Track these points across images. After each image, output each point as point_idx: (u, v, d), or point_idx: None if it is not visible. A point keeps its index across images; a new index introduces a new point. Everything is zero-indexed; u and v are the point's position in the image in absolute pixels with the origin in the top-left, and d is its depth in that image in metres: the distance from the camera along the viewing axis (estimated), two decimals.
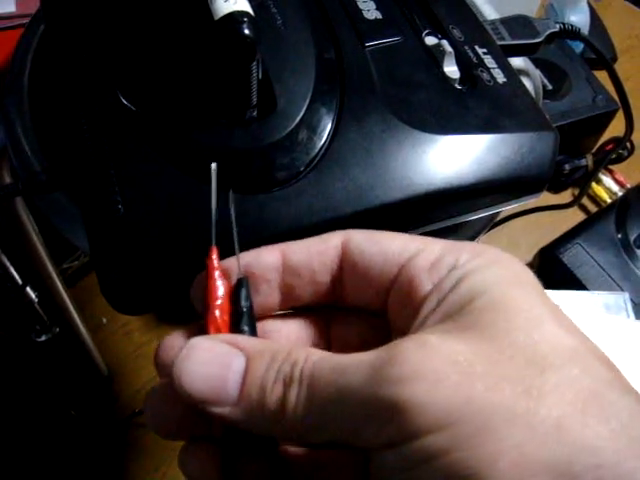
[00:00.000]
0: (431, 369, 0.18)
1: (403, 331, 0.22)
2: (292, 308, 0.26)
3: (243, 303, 0.24)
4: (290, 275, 0.24)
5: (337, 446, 0.23)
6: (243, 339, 0.22)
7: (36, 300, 0.54)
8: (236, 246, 0.24)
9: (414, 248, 0.23)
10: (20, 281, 0.52)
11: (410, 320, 0.22)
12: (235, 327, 0.23)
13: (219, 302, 0.23)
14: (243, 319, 0.23)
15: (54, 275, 0.53)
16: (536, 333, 0.19)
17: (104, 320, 0.63)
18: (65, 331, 0.57)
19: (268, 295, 0.25)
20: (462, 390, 0.18)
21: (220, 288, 0.24)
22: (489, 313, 0.20)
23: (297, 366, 0.20)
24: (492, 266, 0.21)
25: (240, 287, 0.24)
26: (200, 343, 0.22)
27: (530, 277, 0.22)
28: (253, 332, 0.23)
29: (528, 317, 0.20)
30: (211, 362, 0.21)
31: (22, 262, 0.51)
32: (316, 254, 0.24)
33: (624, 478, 0.16)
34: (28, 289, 0.53)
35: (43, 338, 0.57)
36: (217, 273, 0.24)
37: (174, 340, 0.24)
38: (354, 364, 0.19)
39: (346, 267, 0.24)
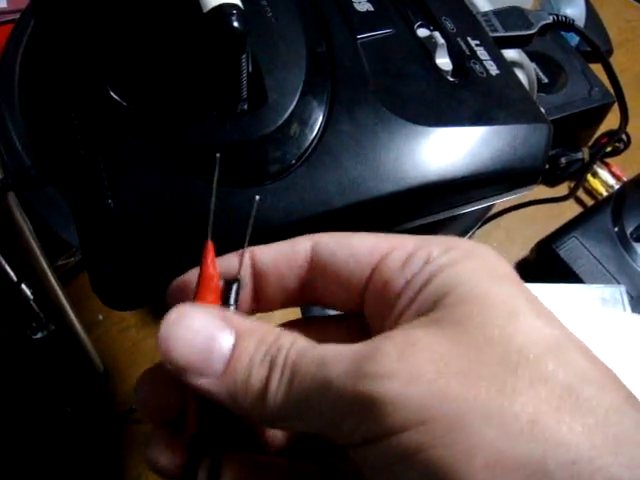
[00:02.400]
0: (407, 366, 0.18)
1: (381, 330, 0.22)
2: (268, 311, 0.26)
3: (232, 302, 0.23)
4: (259, 279, 0.24)
5: (316, 437, 0.23)
6: (235, 316, 0.22)
7: (31, 297, 0.54)
8: (246, 243, 0.24)
9: (385, 247, 0.23)
10: (15, 278, 0.52)
11: (386, 318, 0.22)
12: None
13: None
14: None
15: (49, 272, 0.53)
16: (511, 326, 0.19)
17: (100, 317, 0.63)
18: (61, 328, 0.56)
19: (240, 299, 0.25)
20: (437, 387, 0.18)
21: (215, 285, 0.23)
22: (463, 307, 0.19)
23: (282, 351, 0.20)
24: (465, 259, 0.21)
25: (231, 287, 0.24)
26: (191, 310, 0.21)
27: (506, 269, 0.22)
28: None
29: (503, 310, 0.19)
30: (200, 331, 0.21)
31: (16, 259, 0.51)
32: (284, 258, 0.24)
33: (599, 474, 0.16)
34: (23, 286, 0.53)
35: (39, 335, 0.57)
36: (211, 269, 0.24)
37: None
38: (335, 357, 0.19)
39: (316, 271, 0.24)
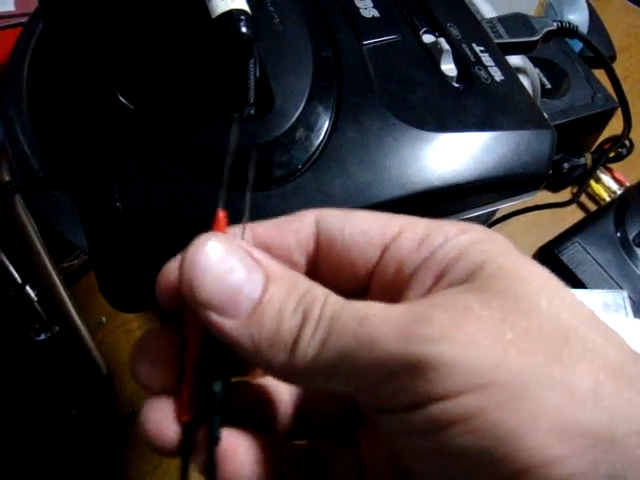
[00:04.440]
0: (461, 331, 0.17)
1: None
2: None
3: None
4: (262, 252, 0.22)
5: (341, 397, 0.22)
6: (264, 256, 0.20)
7: (35, 299, 0.54)
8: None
9: (397, 228, 0.22)
10: (20, 280, 0.52)
11: (398, 299, 0.21)
12: None
13: None
14: None
15: (53, 274, 0.53)
16: (555, 298, 0.18)
17: (104, 319, 0.63)
18: (64, 330, 0.57)
19: None
20: (495, 353, 0.17)
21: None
22: (502, 279, 0.19)
23: (316, 303, 0.19)
24: (484, 239, 0.20)
25: None
26: (222, 242, 0.19)
27: (521, 252, 0.21)
28: None
29: (542, 284, 0.19)
30: (229, 264, 0.19)
31: (21, 261, 0.51)
32: (291, 232, 0.22)
33: None
34: (28, 288, 0.53)
35: (43, 337, 0.57)
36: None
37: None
38: (379, 316, 0.18)
39: (322, 247, 0.22)
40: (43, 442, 0.56)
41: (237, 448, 0.21)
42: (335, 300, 0.19)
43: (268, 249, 0.22)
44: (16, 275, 0.52)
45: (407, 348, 0.17)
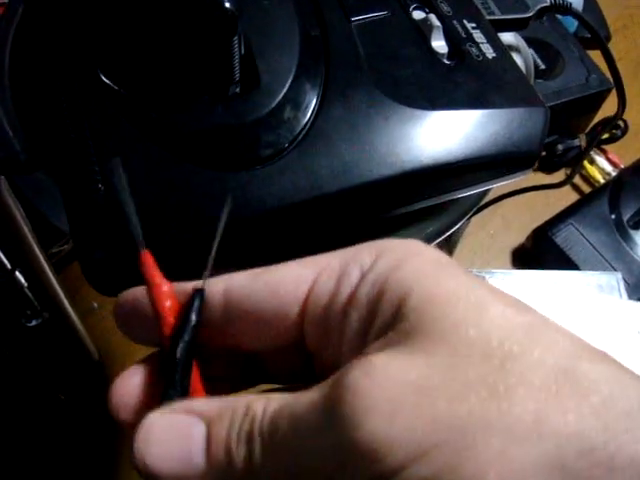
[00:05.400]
0: (384, 398, 0.17)
1: (332, 361, 0.21)
2: None
3: (194, 318, 0.21)
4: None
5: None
6: (198, 403, 0.21)
7: (25, 285, 0.54)
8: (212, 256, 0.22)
9: (310, 274, 0.21)
10: (9, 265, 0.52)
11: (337, 350, 0.20)
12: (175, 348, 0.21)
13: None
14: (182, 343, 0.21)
15: (42, 259, 0.52)
16: (484, 321, 0.17)
17: (95, 305, 0.62)
18: (55, 316, 0.56)
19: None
20: (424, 412, 0.16)
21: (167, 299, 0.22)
22: (425, 313, 0.18)
23: (256, 422, 0.19)
24: (404, 261, 0.19)
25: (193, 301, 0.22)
26: (156, 421, 0.20)
27: (447, 259, 0.20)
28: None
29: (470, 305, 0.18)
30: (172, 438, 0.20)
31: (10, 246, 0.51)
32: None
33: (619, 455, 0.15)
34: (17, 273, 0.53)
35: (33, 323, 0.57)
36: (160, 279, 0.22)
37: (128, 380, 0.23)
38: (306, 410, 0.18)
39: (232, 315, 0.22)
40: (33, 427, 0.56)
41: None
42: (273, 408, 0.19)
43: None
44: (5, 261, 0.51)
45: (339, 438, 0.17)
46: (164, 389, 0.21)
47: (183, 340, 0.21)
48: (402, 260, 0.19)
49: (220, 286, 0.22)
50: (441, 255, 0.20)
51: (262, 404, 0.19)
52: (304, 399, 0.18)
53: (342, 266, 0.20)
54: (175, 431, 0.20)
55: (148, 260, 0.22)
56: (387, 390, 0.17)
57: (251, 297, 0.21)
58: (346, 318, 0.20)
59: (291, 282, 0.21)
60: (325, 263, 0.21)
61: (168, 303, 0.21)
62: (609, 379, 0.17)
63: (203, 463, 0.20)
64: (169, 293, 0.21)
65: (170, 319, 0.21)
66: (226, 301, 0.22)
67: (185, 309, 0.21)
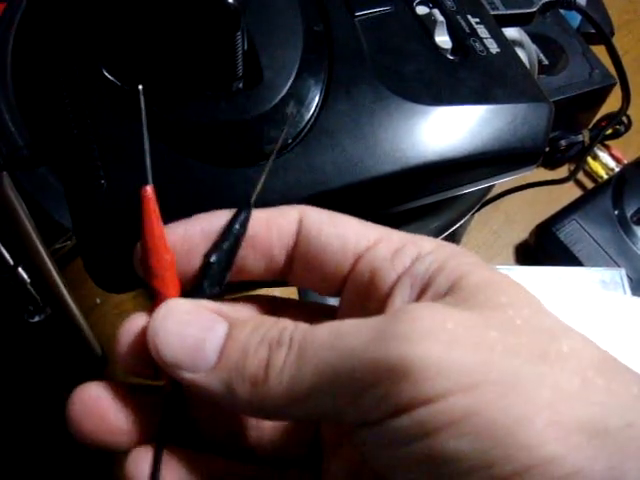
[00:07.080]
0: (443, 328, 0.17)
1: None
2: (240, 283, 0.24)
3: (237, 227, 0.22)
4: (245, 245, 0.23)
5: (314, 422, 0.22)
6: (227, 307, 0.21)
7: (28, 281, 0.54)
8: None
9: (372, 237, 0.22)
10: (11, 261, 0.51)
11: (377, 312, 0.20)
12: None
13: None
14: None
15: (45, 255, 0.52)
16: (534, 307, 0.19)
17: (98, 300, 0.62)
18: (58, 312, 0.56)
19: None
20: (481, 352, 0.17)
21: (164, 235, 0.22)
22: (483, 290, 0.19)
23: (286, 330, 0.19)
24: (461, 254, 0.21)
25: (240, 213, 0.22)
26: (180, 304, 0.20)
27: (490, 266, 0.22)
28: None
29: (521, 295, 0.19)
30: (190, 324, 0.20)
31: (12, 242, 0.51)
32: (275, 227, 0.23)
33: None
34: (20, 269, 0.52)
35: (36, 319, 0.57)
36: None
37: (137, 322, 0.22)
38: (354, 327, 0.18)
39: (300, 246, 0.22)
40: (36, 424, 0.56)
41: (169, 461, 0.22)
42: (306, 325, 0.19)
43: (252, 241, 0.22)
44: (8, 257, 0.51)
45: (388, 350, 0.17)
46: (197, 284, 0.22)
47: (223, 246, 0.22)
48: (460, 253, 0.21)
49: (296, 214, 0.23)
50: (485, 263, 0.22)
51: (292, 322, 0.20)
52: (351, 322, 0.18)
53: (401, 242, 0.22)
54: (196, 322, 0.20)
55: (149, 196, 0.23)
56: (447, 322, 0.17)
57: (321, 232, 0.22)
58: (398, 283, 0.21)
59: (355, 234, 0.22)
60: (385, 234, 0.22)
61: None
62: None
63: (214, 359, 0.19)
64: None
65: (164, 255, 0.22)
66: (299, 228, 0.22)
67: (230, 220, 0.22)
